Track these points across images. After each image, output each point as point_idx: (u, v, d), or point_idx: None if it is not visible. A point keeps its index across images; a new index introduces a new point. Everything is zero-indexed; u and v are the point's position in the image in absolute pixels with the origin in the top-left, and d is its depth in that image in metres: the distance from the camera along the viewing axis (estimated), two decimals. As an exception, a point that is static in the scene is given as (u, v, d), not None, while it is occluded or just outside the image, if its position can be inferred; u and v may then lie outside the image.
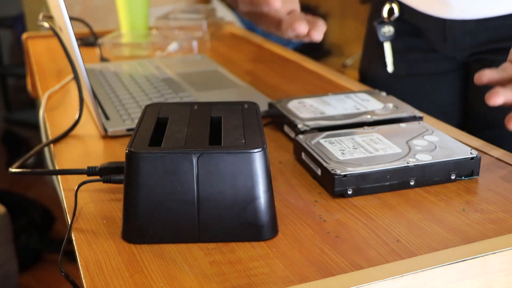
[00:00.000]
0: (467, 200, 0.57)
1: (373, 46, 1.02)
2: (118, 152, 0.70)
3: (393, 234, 0.51)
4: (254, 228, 0.49)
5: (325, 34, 0.70)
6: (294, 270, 0.46)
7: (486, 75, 0.64)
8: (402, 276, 0.44)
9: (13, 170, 0.63)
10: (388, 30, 0.96)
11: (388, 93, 0.81)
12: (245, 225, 0.49)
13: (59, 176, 0.63)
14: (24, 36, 1.36)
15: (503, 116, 0.62)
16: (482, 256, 0.47)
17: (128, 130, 0.75)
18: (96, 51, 1.22)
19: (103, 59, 1.16)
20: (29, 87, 1.32)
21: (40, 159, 2.12)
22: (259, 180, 0.49)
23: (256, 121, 0.56)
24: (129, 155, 0.49)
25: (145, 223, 0.49)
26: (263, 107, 0.79)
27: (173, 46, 1.23)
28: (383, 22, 0.96)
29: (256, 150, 0.48)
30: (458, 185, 0.60)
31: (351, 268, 0.46)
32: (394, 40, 0.97)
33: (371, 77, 1.04)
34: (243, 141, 0.50)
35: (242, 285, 0.44)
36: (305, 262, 0.47)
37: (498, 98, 0.60)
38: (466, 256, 0.47)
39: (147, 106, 0.61)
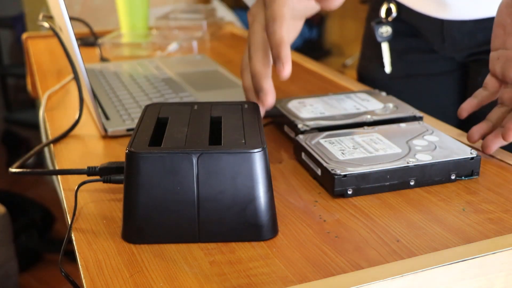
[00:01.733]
0: (467, 200, 0.57)
1: (371, 47, 1.02)
2: (118, 152, 0.70)
3: (393, 234, 0.51)
4: (254, 228, 0.49)
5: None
6: (294, 270, 0.46)
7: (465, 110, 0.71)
8: (402, 276, 0.44)
9: (13, 170, 0.63)
10: (386, 30, 0.95)
11: (386, 93, 0.81)
12: (245, 225, 0.49)
13: (59, 176, 0.63)
14: (24, 36, 1.36)
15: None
16: (482, 256, 0.47)
17: (128, 130, 0.75)
18: (96, 51, 1.22)
19: (103, 59, 1.16)
20: (29, 87, 1.33)
21: (40, 159, 2.12)
22: (259, 180, 0.49)
23: (256, 121, 0.56)
24: (129, 155, 0.49)
25: (145, 223, 0.49)
26: (263, 107, 0.79)
27: (173, 46, 1.24)
28: (380, 22, 0.95)
29: (256, 150, 0.48)
30: (458, 185, 0.60)
31: (351, 268, 0.46)
32: (392, 41, 0.97)
33: (369, 77, 1.04)
34: (243, 141, 0.50)
35: (242, 285, 0.44)
36: (305, 262, 0.47)
37: (493, 147, 0.65)
38: (466, 256, 0.47)
39: (147, 106, 0.61)
